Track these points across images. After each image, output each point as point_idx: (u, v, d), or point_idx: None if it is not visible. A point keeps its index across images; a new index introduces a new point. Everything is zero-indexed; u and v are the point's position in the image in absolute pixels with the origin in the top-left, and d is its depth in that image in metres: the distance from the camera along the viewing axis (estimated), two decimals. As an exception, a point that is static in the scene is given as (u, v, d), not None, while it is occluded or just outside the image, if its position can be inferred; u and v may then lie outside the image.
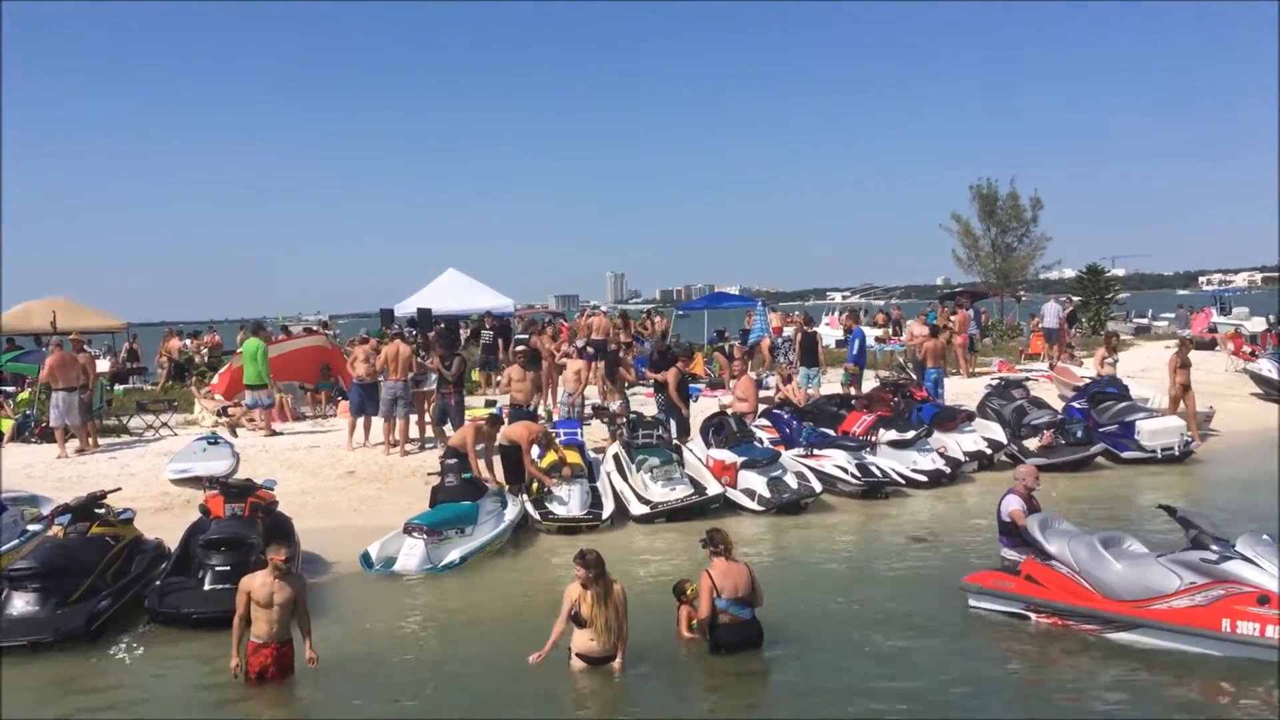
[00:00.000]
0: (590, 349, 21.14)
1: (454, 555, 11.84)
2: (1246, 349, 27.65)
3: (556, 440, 14.58)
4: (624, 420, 15.71)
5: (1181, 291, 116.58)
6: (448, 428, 16.23)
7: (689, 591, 9.13)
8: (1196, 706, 7.76)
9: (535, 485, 13.87)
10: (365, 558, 11.80)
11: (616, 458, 14.84)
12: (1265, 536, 8.98)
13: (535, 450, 14.17)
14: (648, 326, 28.69)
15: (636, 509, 13.74)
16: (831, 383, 22.12)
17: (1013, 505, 10.39)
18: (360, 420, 16.77)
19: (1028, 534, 9.86)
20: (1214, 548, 8.82)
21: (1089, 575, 9.23)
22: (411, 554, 11.76)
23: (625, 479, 14.36)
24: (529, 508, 13.49)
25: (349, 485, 14.99)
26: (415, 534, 11.90)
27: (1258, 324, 38.91)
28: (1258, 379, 23.58)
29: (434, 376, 16.90)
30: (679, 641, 9.04)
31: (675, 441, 15.49)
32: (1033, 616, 9.51)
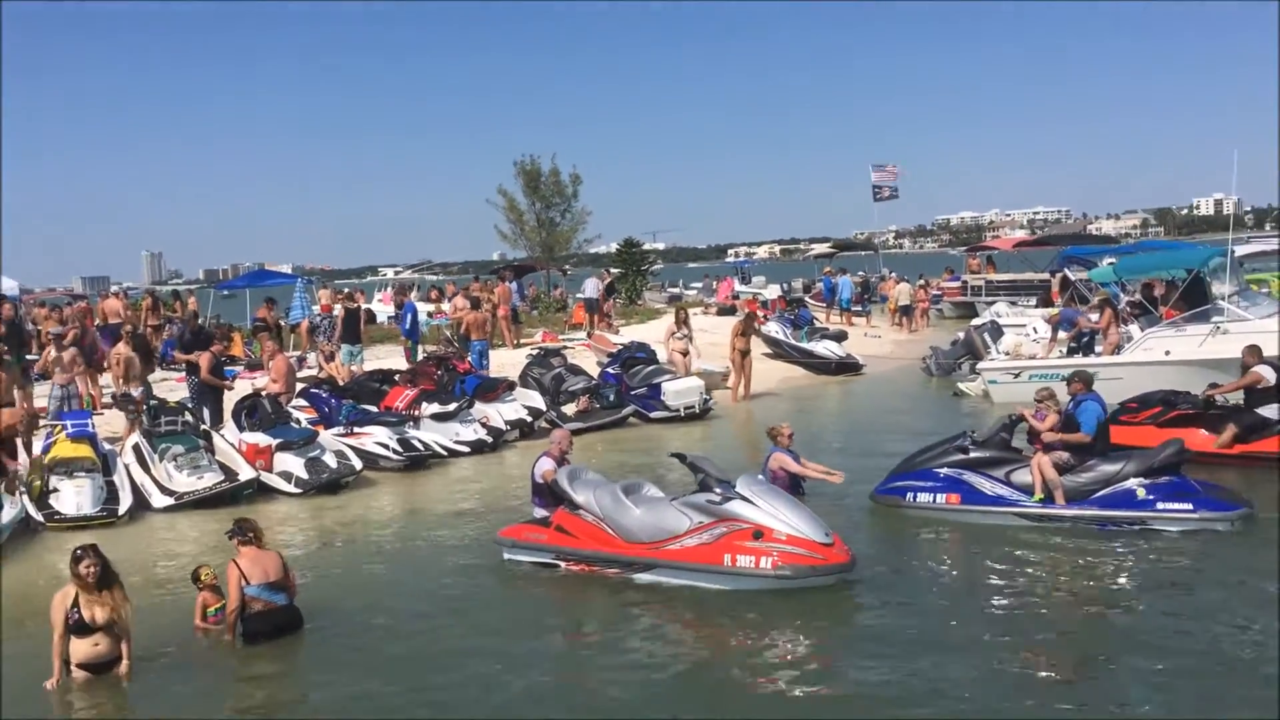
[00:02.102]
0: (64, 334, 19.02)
1: None
2: (761, 314, 30.68)
3: (62, 433, 13.13)
4: (144, 408, 14.46)
5: (691, 266, 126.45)
6: None
7: (204, 576, 8.69)
8: (705, 640, 8.51)
9: (37, 483, 12.42)
10: None
11: (137, 448, 13.63)
12: (760, 476, 9.99)
13: (37, 446, 12.72)
14: (177, 308, 26.76)
15: (159, 500, 12.74)
16: (380, 359, 21.89)
17: (545, 466, 10.70)
18: None
19: (558, 486, 10.24)
20: (718, 490, 9.62)
21: (612, 521, 9.74)
22: None
23: (147, 470, 13.24)
24: (30, 508, 12.04)
25: None
26: None
27: (773, 291, 43.43)
28: (768, 340, 26.21)
29: None
30: (197, 633, 8.55)
31: (204, 428, 14.52)
32: (562, 565, 9.94)
